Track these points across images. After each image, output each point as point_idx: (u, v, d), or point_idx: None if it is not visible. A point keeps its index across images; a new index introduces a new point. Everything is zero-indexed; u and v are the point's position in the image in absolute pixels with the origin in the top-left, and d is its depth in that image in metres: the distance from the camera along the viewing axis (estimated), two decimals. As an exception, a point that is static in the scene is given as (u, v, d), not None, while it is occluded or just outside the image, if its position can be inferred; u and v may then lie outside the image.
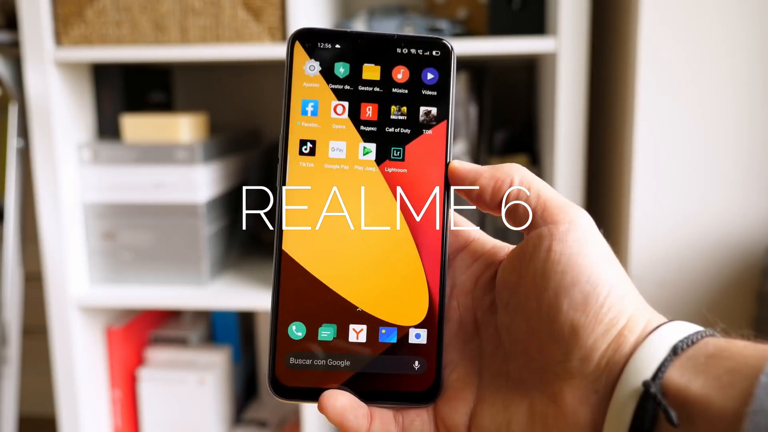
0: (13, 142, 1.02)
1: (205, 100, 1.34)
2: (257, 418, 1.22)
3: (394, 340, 0.32)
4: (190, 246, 1.04)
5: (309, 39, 0.32)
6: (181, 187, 1.03)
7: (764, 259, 0.85)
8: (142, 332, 1.19)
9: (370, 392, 0.31)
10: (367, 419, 0.31)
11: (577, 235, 0.30)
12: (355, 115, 0.32)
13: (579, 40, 0.90)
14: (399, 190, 0.32)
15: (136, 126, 1.04)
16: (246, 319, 1.28)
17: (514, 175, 0.32)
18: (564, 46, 0.90)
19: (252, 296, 1.02)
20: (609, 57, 1.02)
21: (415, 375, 0.32)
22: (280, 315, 0.31)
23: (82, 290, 1.05)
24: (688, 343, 0.27)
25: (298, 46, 0.32)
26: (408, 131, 0.33)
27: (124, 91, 1.13)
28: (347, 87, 0.32)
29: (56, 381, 1.05)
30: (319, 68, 0.32)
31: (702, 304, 0.87)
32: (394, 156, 0.33)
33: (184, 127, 1.03)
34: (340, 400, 0.30)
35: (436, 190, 0.32)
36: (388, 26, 1.01)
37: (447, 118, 0.33)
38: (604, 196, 1.04)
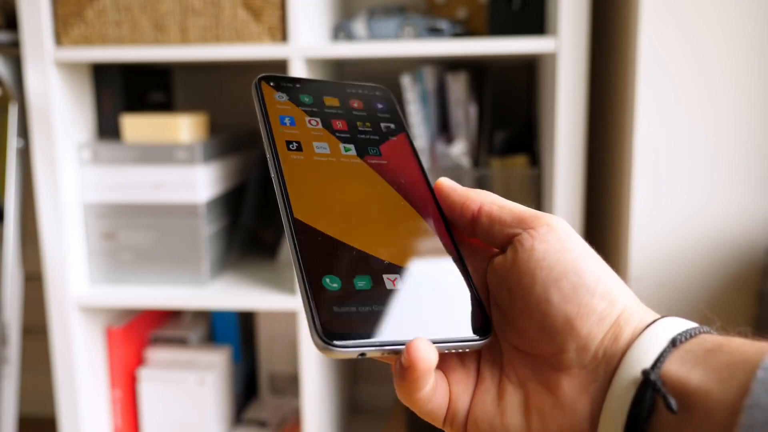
0: (13, 142, 1.02)
1: (205, 100, 1.34)
2: (257, 418, 1.22)
3: None
4: (190, 246, 1.04)
5: (273, 80, 0.37)
6: (181, 187, 1.03)
7: (764, 259, 0.85)
8: (142, 332, 1.19)
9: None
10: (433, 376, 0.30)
11: (558, 235, 0.30)
12: (328, 127, 0.37)
13: (579, 40, 0.90)
14: (384, 173, 0.36)
15: (136, 126, 1.04)
16: (246, 319, 1.28)
17: (484, 195, 0.34)
18: (564, 46, 0.90)
19: (252, 296, 1.02)
20: (609, 57, 1.02)
21: (462, 313, 0.32)
22: (310, 272, 0.30)
23: (82, 290, 1.05)
24: (686, 336, 0.28)
25: (264, 84, 0.37)
26: (377, 137, 0.37)
27: (124, 91, 1.13)
28: (315, 109, 0.37)
29: (56, 381, 1.05)
30: (287, 97, 0.37)
31: (702, 304, 0.87)
32: (372, 152, 0.36)
33: (184, 127, 1.03)
34: (431, 351, 0.28)
35: (418, 171, 0.37)
36: (389, 26, 1.01)
37: (404, 130, 0.38)
38: (604, 196, 1.04)
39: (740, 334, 0.28)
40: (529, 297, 0.30)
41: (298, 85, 0.38)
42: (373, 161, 0.36)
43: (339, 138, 0.36)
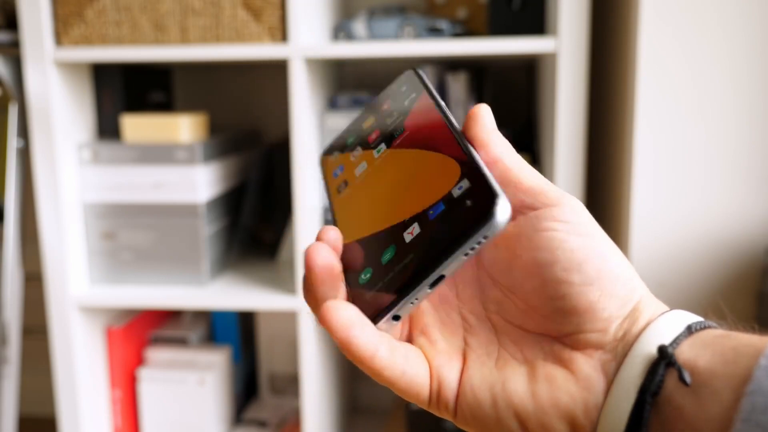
0: (13, 142, 1.02)
1: (205, 100, 1.34)
2: (257, 418, 1.22)
3: (442, 207, 0.30)
4: (190, 246, 1.04)
5: (328, 149, 0.41)
6: (181, 187, 1.03)
7: (764, 259, 0.85)
8: (142, 332, 1.19)
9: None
10: (377, 342, 0.29)
11: (581, 219, 0.30)
12: (365, 145, 0.38)
13: (579, 40, 0.90)
14: (408, 143, 0.35)
15: (136, 126, 1.04)
16: (246, 319, 1.28)
17: (506, 149, 0.32)
18: (564, 46, 0.90)
19: (252, 296, 1.02)
20: (609, 57, 1.02)
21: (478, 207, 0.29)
22: (349, 281, 0.32)
23: (82, 290, 1.05)
24: (700, 326, 0.28)
25: (323, 158, 0.41)
26: (402, 117, 0.37)
27: (124, 91, 1.13)
28: (355, 141, 0.40)
29: (56, 381, 1.05)
30: (338, 151, 0.40)
31: (702, 304, 0.87)
32: (397, 134, 0.37)
33: (184, 127, 1.03)
34: (348, 311, 0.28)
35: (440, 119, 0.35)
36: (389, 26, 1.01)
37: (423, 91, 0.37)
38: (604, 196, 1.04)
39: (750, 330, 0.28)
40: (546, 277, 0.29)
41: (344, 134, 0.41)
42: (398, 141, 0.36)
43: (372, 147, 0.37)
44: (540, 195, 0.30)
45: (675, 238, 0.87)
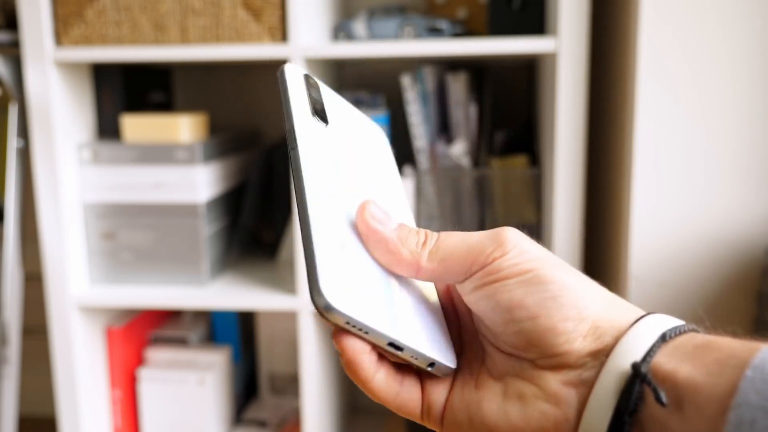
0: (13, 142, 1.02)
1: (205, 100, 1.34)
2: (257, 418, 1.22)
3: None
4: (190, 246, 1.04)
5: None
6: (181, 187, 1.03)
7: (764, 259, 0.85)
8: (142, 332, 1.19)
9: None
10: (376, 368, 0.31)
11: (513, 258, 0.30)
12: None
13: (579, 40, 0.90)
14: None
15: (136, 126, 1.04)
16: (246, 319, 1.28)
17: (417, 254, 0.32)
18: (564, 46, 0.90)
19: (252, 296, 1.02)
20: (609, 57, 1.02)
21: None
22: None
23: (82, 290, 1.05)
24: (676, 332, 0.28)
25: None
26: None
27: (124, 91, 1.13)
28: None
29: (56, 381, 1.05)
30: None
31: (702, 304, 0.87)
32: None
33: (184, 127, 1.03)
34: (357, 342, 0.30)
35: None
36: (389, 26, 1.01)
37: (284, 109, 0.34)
38: (604, 196, 1.04)
39: (731, 333, 0.28)
40: (498, 318, 0.30)
41: None
42: None
43: None
44: (465, 261, 0.31)
45: (675, 238, 0.87)
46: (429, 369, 0.31)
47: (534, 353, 0.30)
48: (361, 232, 0.31)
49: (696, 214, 0.86)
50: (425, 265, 0.31)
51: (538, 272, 0.30)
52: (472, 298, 0.31)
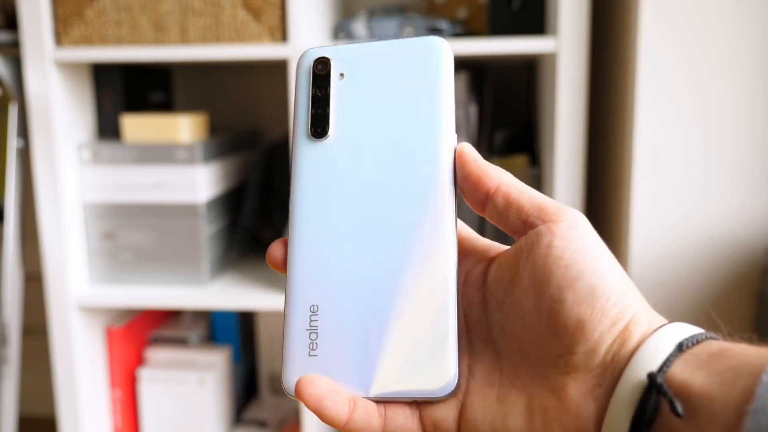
0: (13, 142, 1.02)
1: (205, 100, 1.34)
2: (257, 418, 1.22)
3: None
4: (190, 246, 1.04)
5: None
6: (181, 187, 1.03)
7: (764, 259, 0.85)
8: (142, 332, 1.19)
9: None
10: (349, 406, 0.30)
11: (578, 233, 0.30)
12: None
13: (579, 40, 0.90)
14: None
15: (136, 126, 1.04)
16: (246, 319, 1.28)
17: (503, 175, 0.32)
18: (564, 46, 0.90)
19: (252, 296, 1.02)
20: (609, 57, 1.02)
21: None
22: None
23: (82, 290, 1.05)
24: (693, 341, 0.27)
25: None
26: None
27: (124, 91, 1.13)
28: None
29: (56, 381, 1.05)
30: None
31: (702, 304, 0.87)
32: None
33: (184, 127, 1.03)
34: (319, 385, 0.30)
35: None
36: (389, 26, 1.01)
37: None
38: (604, 196, 1.04)
39: (747, 340, 0.28)
40: (541, 295, 0.29)
41: None
42: None
43: None
44: (540, 212, 0.31)
45: (675, 239, 0.87)
46: (419, 399, 0.31)
47: (563, 346, 0.29)
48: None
49: (696, 214, 0.86)
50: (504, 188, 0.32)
51: (595, 255, 0.29)
52: (528, 262, 0.30)
